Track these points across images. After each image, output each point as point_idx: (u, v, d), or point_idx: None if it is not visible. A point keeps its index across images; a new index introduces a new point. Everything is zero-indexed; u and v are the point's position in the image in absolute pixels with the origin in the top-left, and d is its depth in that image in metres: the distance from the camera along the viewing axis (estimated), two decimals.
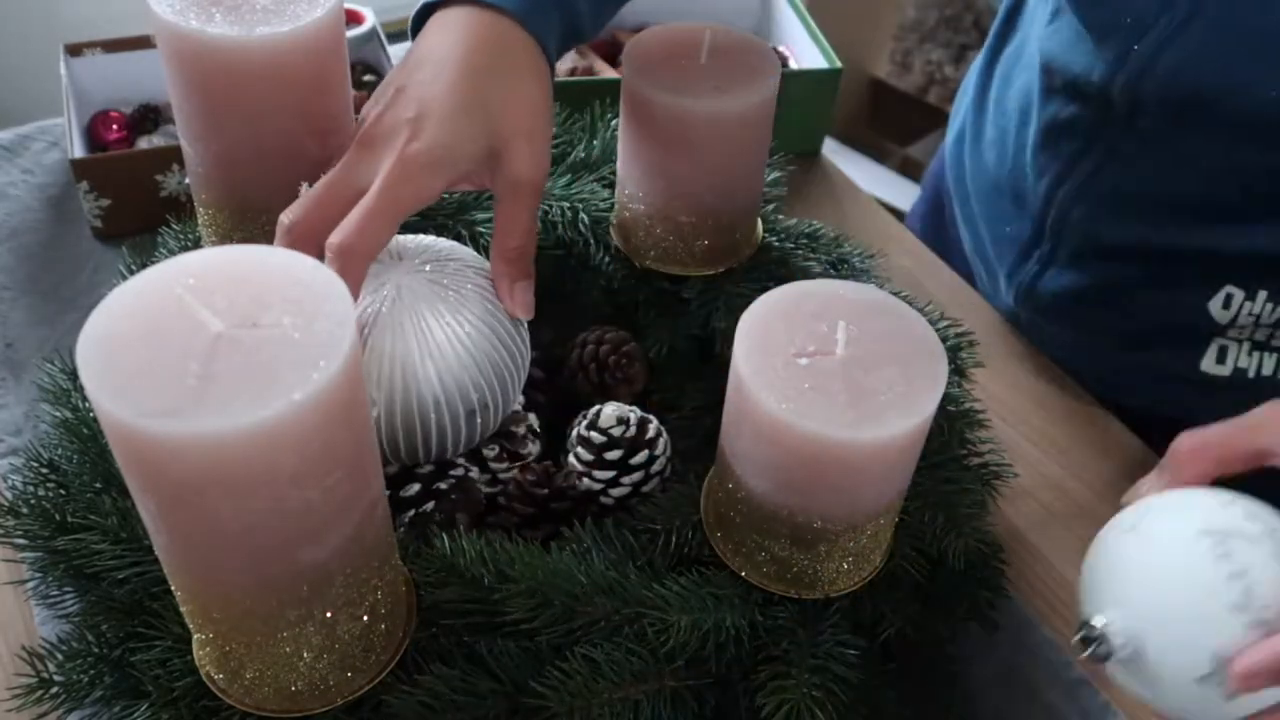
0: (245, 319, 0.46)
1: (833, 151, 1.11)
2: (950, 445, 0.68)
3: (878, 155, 2.05)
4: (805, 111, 1.05)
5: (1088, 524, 0.74)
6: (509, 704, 0.55)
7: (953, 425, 0.69)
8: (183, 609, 0.52)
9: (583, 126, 0.95)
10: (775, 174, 0.91)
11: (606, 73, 1.13)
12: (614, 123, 0.93)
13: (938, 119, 2.14)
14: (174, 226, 0.81)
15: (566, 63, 1.14)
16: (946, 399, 0.69)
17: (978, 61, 1.01)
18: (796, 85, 1.03)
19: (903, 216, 1.16)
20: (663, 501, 0.63)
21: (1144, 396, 0.85)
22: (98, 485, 0.64)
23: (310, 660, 0.52)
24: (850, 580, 0.61)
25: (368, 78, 1.08)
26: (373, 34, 1.09)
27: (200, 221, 0.74)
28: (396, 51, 1.16)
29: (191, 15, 0.62)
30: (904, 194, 1.92)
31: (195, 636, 0.54)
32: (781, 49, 1.15)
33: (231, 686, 0.54)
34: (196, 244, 0.78)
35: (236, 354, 0.45)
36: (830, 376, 0.56)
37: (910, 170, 1.98)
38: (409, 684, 0.54)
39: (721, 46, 0.77)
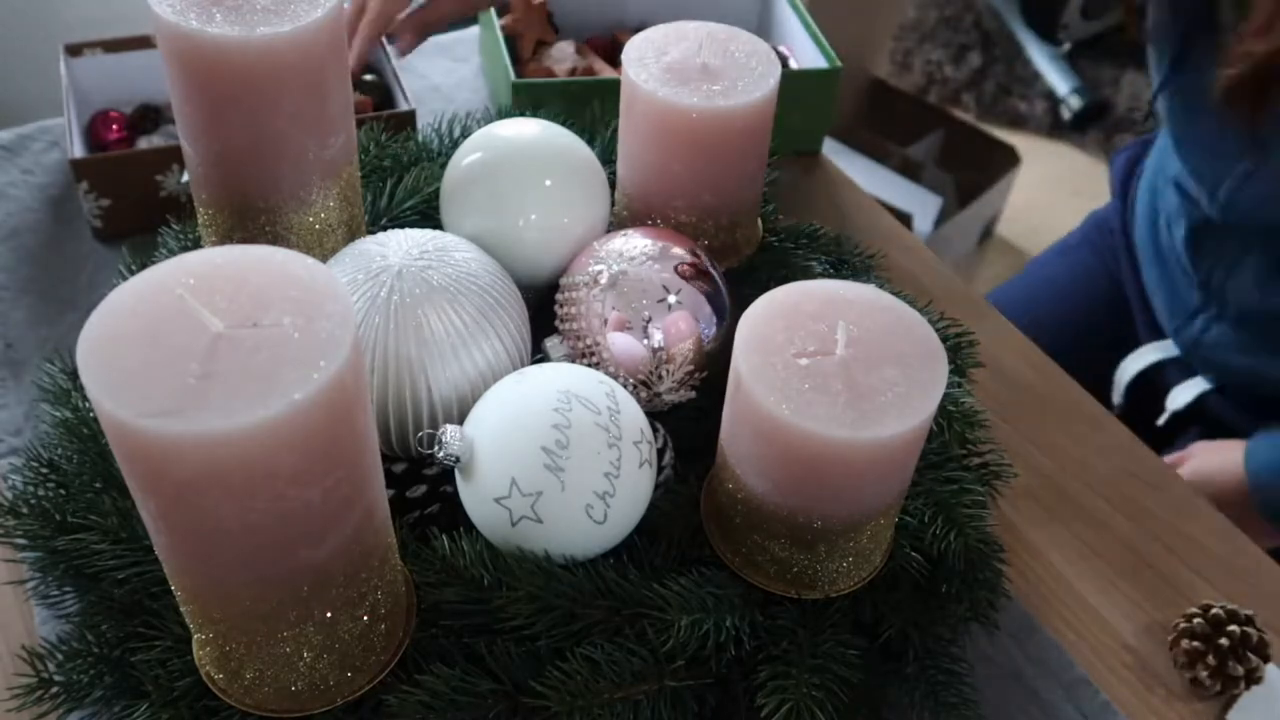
0: (245, 319, 0.46)
1: (833, 151, 1.12)
2: (950, 445, 0.68)
3: (878, 155, 2.05)
4: (805, 111, 1.05)
5: (1087, 524, 0.75)
6: (509, 703, 0.55)
7: (952, 425, 0.69)
8: (183, 609, 0.52)
9: (583, 127, 0.95)
10: (775, 174, 0.91)
11: (606, 73, 1.13)
12: (614, 123, 0.93)
13: (937, 119, 2.14)
14: (174, 226, 0.81)
15: (566, 63, 1.14)
16: (946, 399, 0.69)
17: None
18: (796, 85, 1.03)
19: (904, 217, 1.16)
20: (662, 503, 0.63)
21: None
22: (98, 485, 0.64)
23: (310, 660, 0.52)
24: (850, 580, 0.61)
25: (368, 77, 1.07)
26: None
27: (200, 221, 0.73)
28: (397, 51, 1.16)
29: (192, 15, 0.62)
30: (904, 194, 1.91)
31: (195, 636, 0.54)
32: (781, 49, 1.15)
33: (231, 686, 0.54)
34: (196, 244, 0.78)
35: (237, 353, 0.45)
36: (830, 376, 0.56)
37: (910, 170, 1.98)
38: (409, 684, 0.54)
39: (721, 46, 0.78)
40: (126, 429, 0.43)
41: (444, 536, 0.59)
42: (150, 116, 1.02)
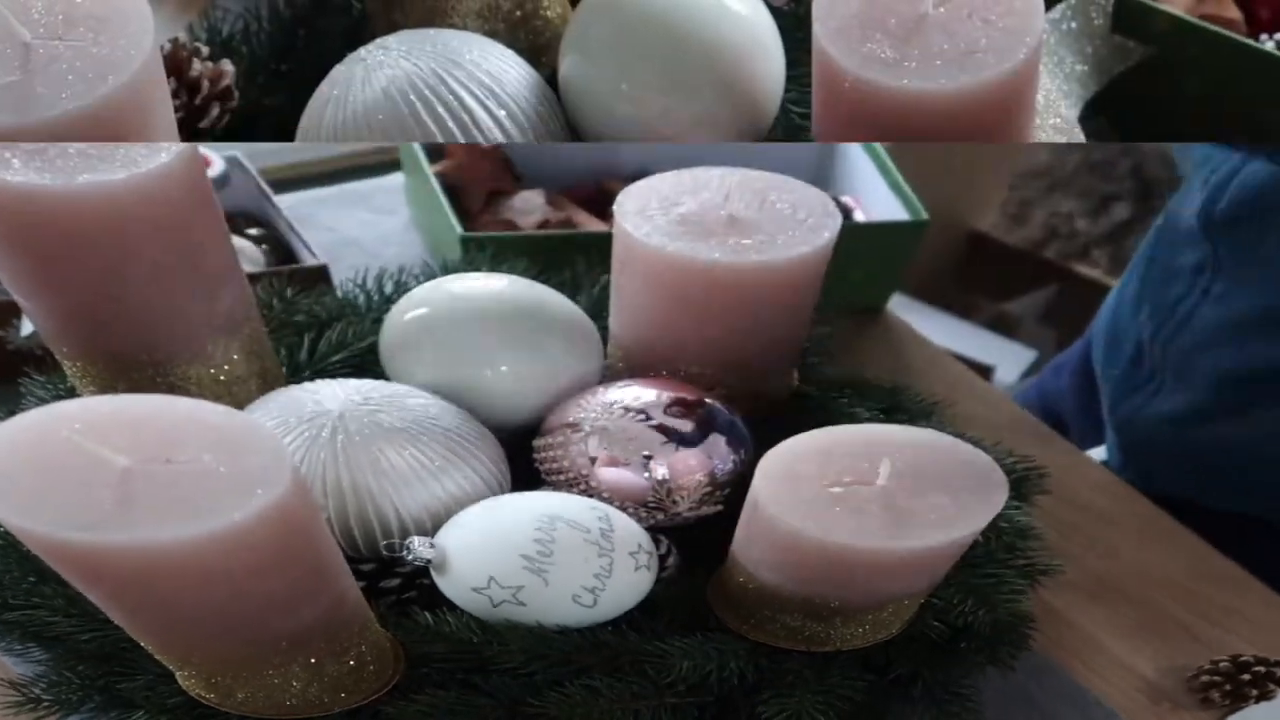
0: (155, 456, 0.60)
1: (900, 306, 1.24)
2: (994, 553, 0.93)
3: (963, 311, 2.22)
4: (872, 267, 1.29)
5: (1129, 601, 1.02)
6: (508, 713, 0.80)
7: (1000, 538, 0.95)
8: (158, 657, 0.78)
9: (562, 282, 1.13)
10: (826, 329, 1.12)
11: (593, 225, 1.33)
12: (604, 278, 1.11)
13: (1053, 274, 2.33)
14: (37, 378, 1.02)
15: (534, 215, 1.31)
16: (999, 518, 0.91)
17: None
18: (864, 238, 1.26)
19: (983, 369, 1.28)
20: (664, 591, 0.87)
21: (1238, 502, 1.22)
22: (32, 579, 0.86)
23: (300, 689, 0.79)
24: (864, 640, 0.88)
25: (252, 231, 1.28)
26: (227, 179, 1.29)
27: (70, 373, 0.93)
28: (286, 201, 1.36)
29: None
30: (989, 347, 2.10)
31: (178, 673, 0.80)
32: (845, 199, 1.40)
33: (225, 702, 0.79)
34: (71, 393, 0.96)
35: (154, 485, 0.59)
36: (866, 501, 0.76)
37: (1005, 326, 2.15)
38: (405, 700, 0.79)
39: (757, 196, 0.91)
40: (50, 540, 0.60)
41: (426, 613, 0.84)
42: None
